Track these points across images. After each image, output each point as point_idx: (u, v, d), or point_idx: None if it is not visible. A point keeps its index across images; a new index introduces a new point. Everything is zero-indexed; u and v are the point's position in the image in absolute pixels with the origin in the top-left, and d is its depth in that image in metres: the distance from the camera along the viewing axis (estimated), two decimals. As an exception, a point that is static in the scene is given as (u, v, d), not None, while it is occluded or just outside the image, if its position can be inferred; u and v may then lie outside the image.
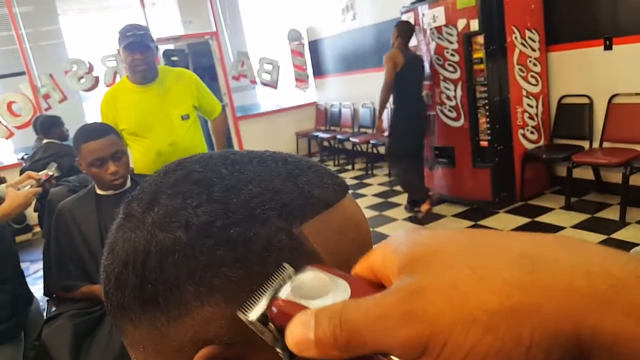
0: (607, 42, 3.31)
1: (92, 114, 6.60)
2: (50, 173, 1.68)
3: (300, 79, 6.91)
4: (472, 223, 3.53)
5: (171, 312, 0.28)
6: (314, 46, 6.77)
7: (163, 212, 0.29)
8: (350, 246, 0.31)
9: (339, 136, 5.98)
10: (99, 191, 1.71)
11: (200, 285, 0.28)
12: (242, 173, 0.31)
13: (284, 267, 0.25)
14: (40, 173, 1.66)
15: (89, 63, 5.65)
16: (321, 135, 6.34)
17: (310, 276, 0.24)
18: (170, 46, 6.67)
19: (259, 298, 0.24)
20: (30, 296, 1.83)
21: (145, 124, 2.22)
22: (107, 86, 5.71)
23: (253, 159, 0.32)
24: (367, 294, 0.21)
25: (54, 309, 1.75)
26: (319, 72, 6.84)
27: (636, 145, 3.23)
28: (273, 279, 0.24)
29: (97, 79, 5.73)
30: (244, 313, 0.24)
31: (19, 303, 1.70)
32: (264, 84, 6.54)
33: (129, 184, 1.74)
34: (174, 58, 6.58)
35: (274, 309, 0.23)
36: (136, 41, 2.12)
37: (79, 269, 1.63)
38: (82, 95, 6.39)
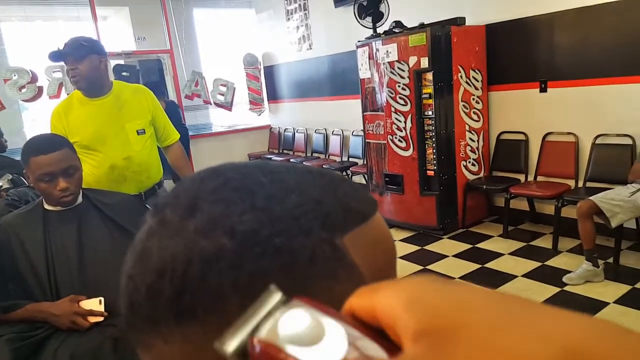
0: (543, 85, 3.63)
1: (32, 125, 6.31)
2: (1, 184, 1.59)
3: (255, 102, 6.96)
4: (418, 247, 3.68)
5: (210, 325, 0.26)
6: (270, 71, 6.87)
7: (206, 219, 0.28)
8: (383, 260, 0.31)
9: (292, 160, 6.05)
10: (47, 206, 1.62)
11: (245, 295, 0.26)
12: (282, 182, 0.30)
13: (271, 290, 0.23)
14: None
15: (32, 72, 5.43)
16: (274, 157, 6.39)
17: (301, 314, 0.21)
18: (121, 61, 6.55)
19: (241, 327, 0.21)
20: None
21: (99, 138, 2.15)
22: (50, 98, 5.52)
23: (290, 169, 0.32)
24: (366, 345, 0.19)
25: None
26: (273, 96, 6.93)
27: (567, 180, 3.53)
28: (259, 305, 0.22)
29: (40, 90, 5.51)
30: (221, 343, 0.22)
31: None
32: (218, 105, 6.53)
33: (80, 199, 1.66)
34: (125, 74, 6.44)
35: (256, 347, 0.20)
36: (65, 52, 2.05)
37: (19, 288, 1.53)
38: (21, 106, 6.12)
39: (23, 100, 5.62)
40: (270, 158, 6.41)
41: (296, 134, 6.43)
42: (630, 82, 3.16)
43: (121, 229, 1.67)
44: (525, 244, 3.53)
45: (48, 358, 1.41)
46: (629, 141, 3.23)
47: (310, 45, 5.96)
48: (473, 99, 3.90)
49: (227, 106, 6.50)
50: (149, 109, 2.28)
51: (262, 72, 6.93)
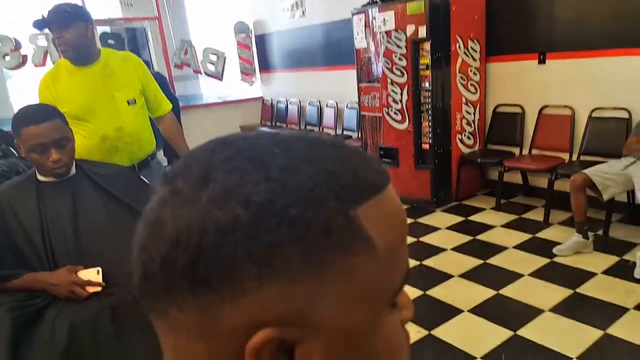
0: (541, 57, 3.59)
1: (17, 95, 6.16)
2: None
3: (247, 72, 6.83)
4: (412, 220, 3.70)
5: (225, 294, 0.27)
6: (261, 40, 6.72)
7: (220, 189, 0.28)
8: (395, 232, 0.32)
9: (284, 132, 5.97)
10: (40, 177, 1.61)
11: (261, 265, 0.27)
12: (294, 153, 0.30)
13: None
14: None
15: (15, 40, 5.27)
16: (268, 130, 6.30)
17: None
18: (107, 29, 6.36)
19: None
20: None
21: (88, 107, 2.10)
22: (35, 66, 5.41)
23: (301, 138, 0.31)
24: None
25: None
26: (265, 66, 6.80)
27: (561, 153, 3.54)
28: None
29: (24, 58, 5.37)
30: None
31: None
32: (208, 75, 6.40)
33: (73, 170, 1.65)
34: (111, 41, 6.29)
35: None
36: (50, 19, 1.98)
37: (16, 259, 1.53)
38: (5, 74, 5.96)
39: (7, 69, 5.47)
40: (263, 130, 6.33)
41: (289, 106, 6.35)
42: (628, 54, 3.14)
43: (115, 200, 1.66)
44: (517, 216, 3.57)
45: (47, 326, 1.41)
46: (625, 114, 3.23)
47: (303, 12, 5.81)
48: (470, 71, 3.85)
49: (218, 76, 6.37)
50: (139, 78, 2.23)
51: (253, 40, 6.78)
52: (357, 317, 0.29)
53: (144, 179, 2.07)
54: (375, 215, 0.30)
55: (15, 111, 1.60)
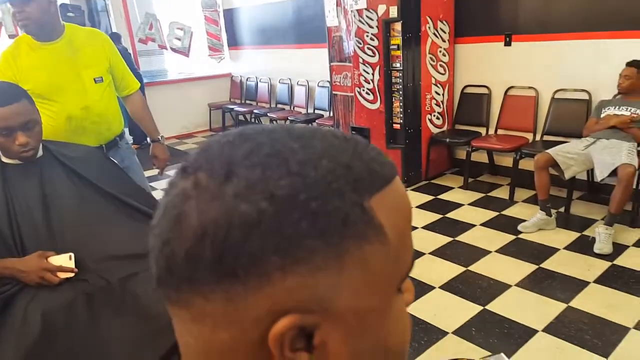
0: (507, 39, 3.68)
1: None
2: None
3: (215, 48, 6.66)
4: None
5: (250, 283, 0.28)
6: (229, 15, 6.55)
7: (244, 184, 0.29)
8: (403, 219, 0.33)
9: (255, 111, 5.90)
10: (4, 159, 1.54)
11: (285, 256, 0.28)
12: (312, 148, 0.31)
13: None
14: None
15: None
16: (237, 108, 6.21)
17: None
18: (66, 0, 6.04)
19: None
20: None
21: (53, 85, 2.00)
22: None
23: (315, 133, 0.33)
24: None
25: None
26: (234, 42, 6.65)
27: (526, 133, 3.67)
28: None
29: None
30: None
31: None
32: (174, 50, 6.21)
33: (40, 152, 1.58)
34: (70, 14, 5.98)
35: None
36: None
37: None
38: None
39: None
40: (233, 109, 6.24)
41: (259, 84, 6.25)
42: (590, 37, 3.26)
43: (86, 183, 1.61)
44: (483, 194, 3.70)
45: (19, 314, 1.35)
46: (585, 96, 3.36)
47: (273, -12, 5.69)
48: (440, 52, 3.90)
49: (184, 51, 6.20)
50: (105, 55, 2.14)
51: (221, 15, 6.59)
52: (371, 302, 0.31)
53: (113, 159, 2.02)
54: (386, 205, 0.31)
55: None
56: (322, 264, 0.29)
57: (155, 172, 2.44)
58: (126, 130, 2.47)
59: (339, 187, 0.29)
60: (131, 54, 5.79)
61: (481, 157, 3.99)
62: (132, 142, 3.86)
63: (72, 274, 1.45)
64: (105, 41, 2.17)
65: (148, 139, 2.49)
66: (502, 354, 0.53)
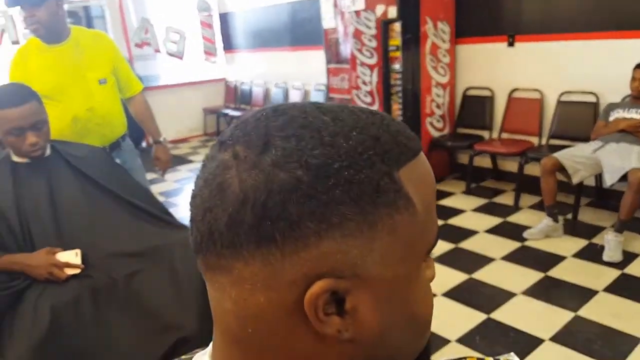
0: (511, 39, 3.57)
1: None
2: None
3: (209, 52, 6.58)
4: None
5: (287, 248, 0.30)
6: (224, 19, 6.47)
7: (280, 154, 0.30)
8: (429, 192, 0.35)
9: (249, 115, 5.79)
10: (15, 158, 1.60)
11: (321, 221, 0.29)
12: (342, 120, 0.32)
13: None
14: None
15: None
16: (231, 112, 6.11)
17: None
18: (64, 7, 5.97)
19: None
20: None
21: (59, 87, 2.04)
22: None
23: (343, 107, 0.34)
24: None
25: None
26: (229, 46, 6.56)
27: (531, 137, 3.55)
28: None
29: None
30: None
31: None
32: (170, 55, 6.13)
33: (48, 151, 1.65)
34: (68, 20, 5.92)
35: None
36: None
37: None
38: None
39: None
40: (227, 113, 6.13)
41: (254, 88, 6.16)
42: (596, 37, 3.15)
43: (91, 182, 1.67)
44: (487, 200, 3.57)
45: (28, 308, 1.40)
46: (592, 99, 3.25)
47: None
48: (440, 53, 3.79)
49: (179, 55, 6.11)
50: (110, 58, 2.19)
51: (217, 19, 6.51)
52: (399, 269, 0.33)
53: (116, 160, 2.08)
54: (413, 177, 0.33)
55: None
56: (355, 230, 0.30)
57: (156, 175, 2.38)
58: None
59: (369, 157, 0.31)
60: (127, 60, 5.71)
61: (484, 161, 3.87)
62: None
63: (78, 270, 1.50)
64: (109, 43, 2.24)
65: (144, 143, 2.48)
66: (512, 353, 0.53)
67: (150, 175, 2.57)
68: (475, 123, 3.91)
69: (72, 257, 1.52)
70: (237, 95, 6.45)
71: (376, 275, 0.31)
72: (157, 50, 6.13)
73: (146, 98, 2.39)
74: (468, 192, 3.72)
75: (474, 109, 3.92)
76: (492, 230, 3.07)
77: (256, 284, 0.31)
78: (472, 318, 2.18)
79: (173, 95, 6.34)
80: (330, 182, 0.29)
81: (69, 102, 2.06)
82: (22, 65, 2.06)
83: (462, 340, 2.04)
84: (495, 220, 3.20)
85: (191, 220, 0.33)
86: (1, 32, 5.15)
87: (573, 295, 2.29)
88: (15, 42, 5.13)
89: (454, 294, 2.39)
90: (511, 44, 3.57)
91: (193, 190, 0.34)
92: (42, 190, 1.58)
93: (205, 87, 6.63)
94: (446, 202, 3.61)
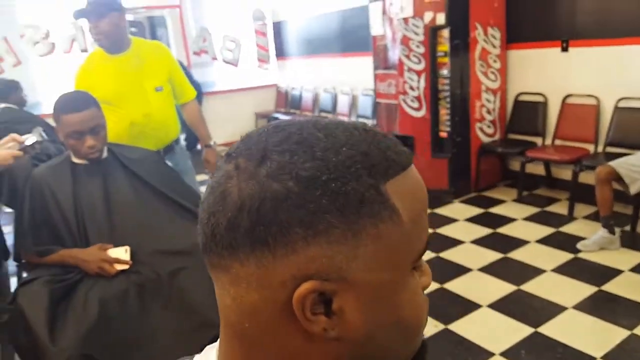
0: (564, 44, 3.45)
1: (46, 80, 6.21)
2: (35, 138, 1.61)
3: (262, 59, 6.78)
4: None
5: (278, 251, 0.33)
6: (277, 27, 6.64)
7: (275, 166, 0.33)
8: (418, 205, 0.37)
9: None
10: (74, 160, 1.72)
11: (308, 228, 0.32)
12: (335, 137, 0.35)
13: None
14: (24, 137, 1.59)
15: (46, 29, 5.44)
16: (282, 117, 6.27)
17: None
18: (129, 17, 6.37)
19: None
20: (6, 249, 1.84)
21: (119, 94, 2.18)
22: (64, 53, 5.59)
23: (339, 125, 0.37)
24: None
25: (25, 274, 1.74)
26: (281, 53, 6.73)
27: (586, 144, 3.41)
28: None
29: (53, 45, 5.54)
30: None
31: None
32: (226, 62, 6.37)
33: (105, 154, 1.75)
34: (133, 29, 6.31)
35: None
36: (87, 10, 2.08)
37: (52, 235, 1.64)
38: (34, 61, 6.04)
39: (39, 56, 5.61)
40: (277, 117, 6.29)
41: (303, 93, 6.28)
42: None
43: (143, 183, 1.76)
44: (539, 209, 3.46)
45: (80, 299, 1.50)
46: (653, 104, 3.09)
47: (320, -2, 5.70)
48: (490, 58, 3.73)
49: (234, 62, 6.34)
50: (166, 66, 2.31)
51: (270, 27, 6.70)
52: (384, 275, 0.35)
53: (169, 162, 2.17)
54: (401, 190, 0.35)
55: (50, 96, 1.69)
56: (340, 237, 0.33)
57: (206, 177, 2.52)
58: (181, 136, 2.59)
59: (356, 170, 0.33)
60: (186, 67, 6.00)
61: (537, 168, 3.76)
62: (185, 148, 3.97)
63: (127, 266, 1.59)
64: (166, 53, 2.36)
65: (199, 146, 2.62)
66: None
67: (200, 177, 2.70)
68: (527, 129, 3.81)
69: (122, 253, 1.59)
70: (287, 100, 6.61)
71: (361, 279, 0.33)
72: (214, 58, 6.39)
73: (202, 103, 2.52)
74: (519, 200, 3.62)
75: (526, 114, 3.81)
76: (544, 241, 2.98)
77: (251, 283, 0.34)
78: (518, 331, 2.13)
79: (227, 100, 6.58)
80: (317, 193, 0.32)
81: (127, 108, 2.18)
82: (87, 73, 2.20)
83: (506, 354, 2.00)
84: (547, 230, 3.11)
85: (199, 223, 0.37)
86: (71, 41, 5.56)
87: (629, 312, 2.18)
88: (84, 50, 5.51)
89: (499, 305, 2.34)
90: (565, 49, 3.45)
91: (202, 196, 0.37)
92: (97, 190, 1.68)
93: (258, 93, 6.83)
94: (496, 210, 3.54)
